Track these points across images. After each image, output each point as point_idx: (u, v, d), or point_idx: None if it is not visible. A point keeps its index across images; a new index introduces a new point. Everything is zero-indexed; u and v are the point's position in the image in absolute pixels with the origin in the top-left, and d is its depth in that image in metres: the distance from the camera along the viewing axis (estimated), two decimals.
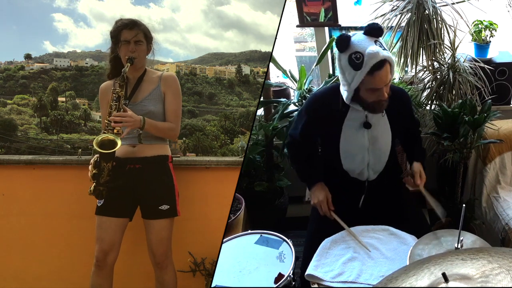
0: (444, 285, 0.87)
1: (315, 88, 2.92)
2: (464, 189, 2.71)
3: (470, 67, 2.67)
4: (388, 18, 2.69)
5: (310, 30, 3.52)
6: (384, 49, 1.77)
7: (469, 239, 1.66)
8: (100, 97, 2.19)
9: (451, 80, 2.59)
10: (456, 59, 2.65)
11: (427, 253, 1.60)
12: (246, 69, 58.32)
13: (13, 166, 2.48)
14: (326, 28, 3.25)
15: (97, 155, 1.96)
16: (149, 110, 2.06)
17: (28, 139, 37.63)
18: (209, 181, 2.43)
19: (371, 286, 1.60)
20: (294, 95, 2.99)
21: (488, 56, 2.93)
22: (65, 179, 2.44)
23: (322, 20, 3.09)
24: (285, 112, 2.81)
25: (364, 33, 1.81)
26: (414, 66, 2.70)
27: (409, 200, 2.08)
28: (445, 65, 2.68)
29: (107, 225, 2.05)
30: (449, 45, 2.66)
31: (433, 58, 2.69)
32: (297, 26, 3.20)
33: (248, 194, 2.66)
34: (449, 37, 2.65)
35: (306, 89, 2.89)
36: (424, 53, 2.67)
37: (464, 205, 1.62)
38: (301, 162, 2.11)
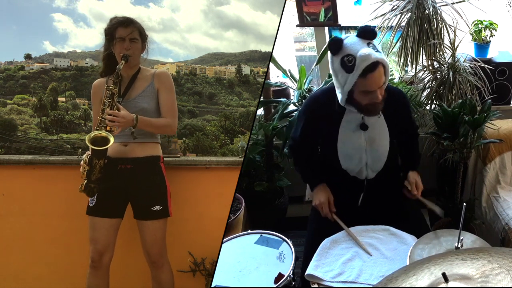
0: (444, 285, 0.87)
1: (315, 88, 2.92)
2: (464, 189, 2.71)
3: (470, 67, 2.67)
4: (388, 18, 2.69)
5: (310, 30, 3.52)
6: (377, 51, 1.76)
7: (469, 239, 1.66)
8: (92, 94, 2.17)
9: (451, 80, 2.59)
10: (456, 59, 2.65)
11: (427, 253, 1.60)
12: (246, 69, 58.28)
13: (13, 166, 2.47)
14: (326, 28, 3.25)
15: (89, 152, 1.96)
16: (142, 107, 2.06)
17: (28, 139, 37.61)
18: (209, 181, 2.43)
19: (371, 286, 1.60)
20: (294, 95, 2.99)
21: (488, 56, 2.93)
22: (65, 179, 2.43)
23: (322, 20, 3.09)
24: (285, 112, 2.81)
25: (357, 36, 1.80)
26: (414, 66, 2.69)
27: (408, 199, 2.08)
28: (445, 65, 2.68)
29: (100, 226, 2.05)
30: (449, 45, 2.66)
31: (433, 58, 2.69)
32: (297, 26, 3.20)
33: (248, 194, 2.66)
34: (449, 37, 2.65)
35: (306, 89, 2.89)
36: (424, 53, 2.67)
37: (464, 205, 1.62)
38: (303, 164, 2.12)
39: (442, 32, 2.64)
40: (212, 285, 1.70)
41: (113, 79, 1.98)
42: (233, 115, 44.81)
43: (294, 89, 2.97)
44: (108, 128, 1.94)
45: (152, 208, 2.05)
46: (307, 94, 2.83)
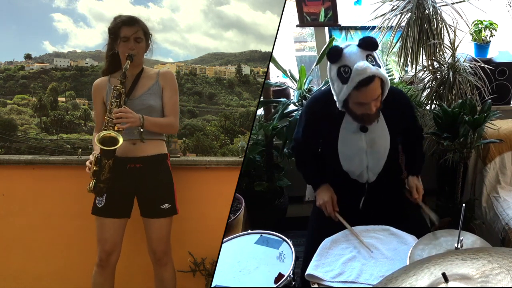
0: (444, 285, 0.87)
1: (315, 88, 2.92)
2: (464, 189, 2.71)
3: (470, 67, 2.67)
4: (388, 18, 2.69)
5: (310, 30, 3.52)
6: (375, 64, 1.75)
7: (469, 239, 1.66)
8: (93, 93, 2.15)
9: (451, 80, 2.59)
10: (456, 59, 2.65)
11: (427, 253, 1.60)
12: (246, 69, 58.33)
13: (13, 166, 2.47)
14: (326, 28, 3.25)
15: (96, 152, 1.96)
16: (149, 104, 2.05)
17: (28, 139, 37.63)
18: (209, 181, 2.43)
19: (371, 286, 1.60)
20: (294, 95, 2.99)
21: (488, 56, 2.93)
22: (65, 179, 2.43)
23: (322, 20, 3.09)
24: (285, 112, 2.81)
25: (358, 45, 1.79)
26: (414, 66, 2.70)
27: (409, 200, 2.07)
28: (445, 65, 2.68)
29: (109, 227, 2.04)
30: (449, 45, 2.66)
31: (433, 58, 2.69)
32: (297, 26, 3.20)
33: (248, 194, 2.66)
34: (449, 37, 2.65)
35: (306, 89, 2.89)
36: (424, 53, 2.67)
37: (464, 205, 1.62)
38: (306, 165, 2.12)
39: (442, 32, 2.64)
40: (212, 285, 1.70)
41: (120, 79, 1.98)
42: (233, 115, 44.84)
43: (294, 89, 2.97)
44: (116, 128, 1.93)
45: (161, 206, 2.05)
46: (307, 94, 2.83)
